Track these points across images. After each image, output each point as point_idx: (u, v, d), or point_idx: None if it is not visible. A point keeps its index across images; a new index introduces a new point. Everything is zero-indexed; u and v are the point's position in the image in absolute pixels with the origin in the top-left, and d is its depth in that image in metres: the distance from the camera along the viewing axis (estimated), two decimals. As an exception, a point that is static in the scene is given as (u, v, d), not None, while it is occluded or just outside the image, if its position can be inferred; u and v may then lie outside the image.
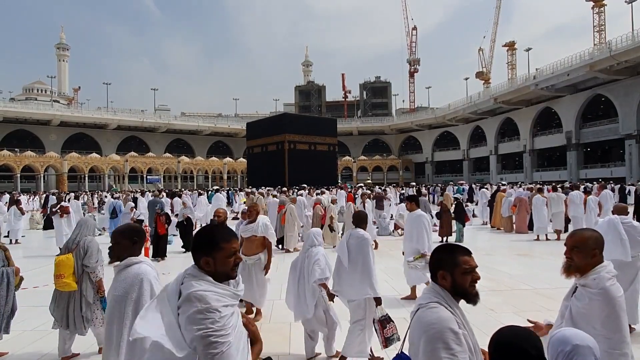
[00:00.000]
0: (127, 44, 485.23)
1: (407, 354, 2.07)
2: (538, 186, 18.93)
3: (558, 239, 13.28)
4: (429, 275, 5.55)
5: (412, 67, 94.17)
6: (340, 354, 4.43)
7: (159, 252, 11.00)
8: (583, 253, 2.38)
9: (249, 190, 18.73)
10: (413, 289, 7.08)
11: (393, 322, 4.08)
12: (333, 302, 4.61)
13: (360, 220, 4.68)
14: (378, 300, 4.23)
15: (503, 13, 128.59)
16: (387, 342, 3.96)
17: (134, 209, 11.58)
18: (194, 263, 1.93)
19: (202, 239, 1.96)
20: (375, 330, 4.06)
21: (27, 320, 5.95)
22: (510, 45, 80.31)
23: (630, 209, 15.14)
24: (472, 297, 1.94)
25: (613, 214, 5.55)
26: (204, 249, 1.92)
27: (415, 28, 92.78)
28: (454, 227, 13.33)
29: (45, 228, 18.17)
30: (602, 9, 61.52)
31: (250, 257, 5.82)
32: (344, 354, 4.37)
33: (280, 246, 12.19)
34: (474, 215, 18.95)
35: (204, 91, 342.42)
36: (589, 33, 67.47)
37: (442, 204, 14.23)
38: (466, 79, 77.38)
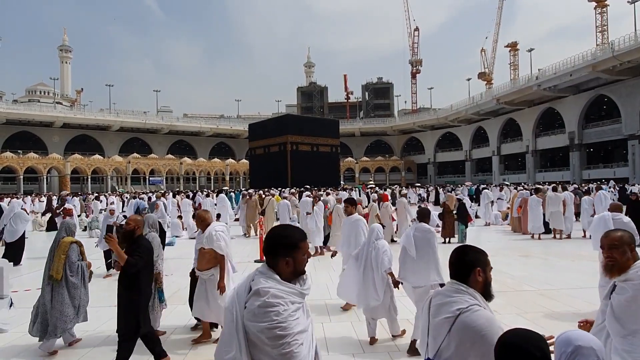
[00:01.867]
0: (129, 46, 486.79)
1: (433, 358, 2.05)
2: (536, 186, 18.99)
3: (554, 237, 13.54)
4: None
5: (414, 68, 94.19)
6: (412, 337, 4.80)
7: None
8: (621, 250, 2.45)
9: (245, 192, 18.69)
10: None
11: None
12: (398, 288, 5.09)
13: (423, 215, 5.23)
14: (442, 286, 4.46)
15: (505, 14, 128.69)
16: None
17: (114, 212, 10.82)
18: (265, 263, 1.97)
19: (280, 240, 1.96)
20: None
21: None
22: (513, 46, 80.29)
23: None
24: (491, 294, 2.09)
25: (609, 211, 6.15)
26: (284, 250, 1.93)
27: (417, 29, 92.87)
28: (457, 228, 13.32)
29: (48, 230, 18.21)
30: (604, 9, 61.42)
31: (202, 272, 5.07)
32: (414, 337, 4.70)
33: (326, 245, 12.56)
34: (476, 216, 18.94)
35: (206, 92, 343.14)
36: (591, 33, 67.32)
37: (444, 204, 14.20)
38: (468, 79, 77.33)
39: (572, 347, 1.74)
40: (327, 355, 4.77)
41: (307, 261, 2.01)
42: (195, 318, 5.43)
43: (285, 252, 1.93)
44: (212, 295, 4.97)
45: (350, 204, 6.87)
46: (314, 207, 12.68)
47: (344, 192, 23.94)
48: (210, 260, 4.99)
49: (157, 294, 5.26)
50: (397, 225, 14.03)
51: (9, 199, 22.41)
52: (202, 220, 5.15)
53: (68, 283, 4.92)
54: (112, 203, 17.07)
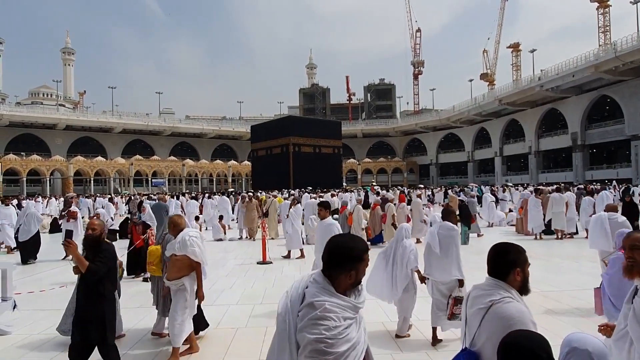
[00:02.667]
0: (132, 48, 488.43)
1: (471, 349, 2.13)
2: (536, 187, 19.01)
3: (557, 238, 13.53)
4: None
5: (416, 69, 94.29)
6: (431, 325, 5.08)
7: (137, 268, 8.86)
8: None
9: (244, 194, 18.54)
10: None
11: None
12: (425, 283, 5.27)
13: (448, 214, 5.48)
14: (461, 282, 4.94)
15: (507, 14, 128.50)
16: (452, 317, 4.69)
17: (99, 215, 10.49)
18: (322, 272, 1.92)
19: (346, 252, 1.90)
20: (447, 304, 4.81)
21: (34, 324, 5.96)
22: (515, 47, 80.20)
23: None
24: (528, 289, 2.17)
25: (605, 211, 6.44)
26: (349, 263, 1.88)
27: (419, 30, 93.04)
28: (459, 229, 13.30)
29: (51, 232, 18.22)
30: (606, 9, 61.28)
31: (172, 282, 4.61)
32: (433, 324, 5.04)
33: None
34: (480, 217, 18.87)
35: (208, 94, 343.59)
36: (594, 34, 67.18)
37: (447, 205, 14.18)
38: (470, 80, 77.31)
39: (568, 348, 1.76)
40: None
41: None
42: (154, 333, 5.38)
43: (350, 265, 1.88)
44: (179, 307, 4.56)
45: (324, 207, 6.58)
46: (291, 210, 12.44)
47: (362, 192, 23.93)
48: (183, 268, 4.56)
49: None
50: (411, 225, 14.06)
51: (27, 200, 22.95)
52: (174, 226, 4.78)
53: None
54: (103, 207, 17.00)
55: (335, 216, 13.82)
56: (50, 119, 62.56)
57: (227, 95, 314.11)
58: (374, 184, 61.46)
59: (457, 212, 13.78)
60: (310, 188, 28.98)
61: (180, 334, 4.57)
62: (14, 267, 5.92)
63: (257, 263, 10.49)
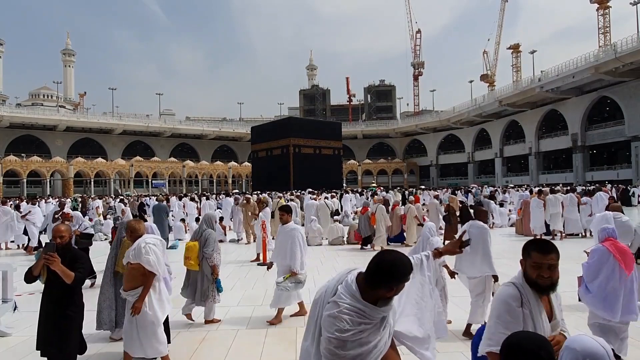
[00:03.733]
0: (132, 49, 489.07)
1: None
2: (539, 189, 19.05)
3: (552, 238, 13.44)
4: (297, 294, 5.91)
5: (417, 70, 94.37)
6: (467, 322, 5.27)
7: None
8: None
9: (238, 196, 17.70)
10: (280, 311, 6.12)
11: None
12: (454, 278, 5.55)
13: (479, 213, 5.74)
14: (495, 277, 5.18)
15: (507, 15, 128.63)
16: None
17: (69, 215, 10.14)
18: (361, 275, 1.99)
19: (397, 270, 1.92)
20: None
21: (35, 325, 5.95)
22: (515, 48, 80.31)
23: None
24: (540, 289, 2.30)
25: (610, 211, 6.61)
26: (395, 283, 1.93)
27: (419, 31, 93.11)
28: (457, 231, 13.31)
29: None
30: (607, 11, 61.39)
31: (127, 292, 4.21)
32: (470, 321, 5.23)
33: (368, 245, 12.71)
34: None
35: (208, 95, 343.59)
36: (594, 35, 67.24)
37: (449, 207, 14.20)
38: (471, 81, 77.41)
39: (563, 348, 1.76)
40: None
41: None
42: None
43: (396, 285, 1.93)
44: (137, 323, 4.16)
45: (286, 212, 6.19)
46: (259, 213, 11.85)
47: (389, 193, 23.88)
48: (137, 277, 4.17)
49: (216, 284, 5.87)
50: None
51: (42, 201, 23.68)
52: (132, 232, 4.43)
53: None
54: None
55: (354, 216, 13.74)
56: (50, 121, 62.62)
57: (228, 97, 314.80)
58: (374, 184, 61.52)
59: (458, 214, 13.85)
60: (311, 189, 28.91)
61: (150, 349, 4.20)
62: (14, 268, 5.92)
63: (258, 264, 10.49)
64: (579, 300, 4.33)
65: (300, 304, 6.27)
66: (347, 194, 23.69)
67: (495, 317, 2.23)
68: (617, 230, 5.84)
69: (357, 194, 26.75)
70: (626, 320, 3.89)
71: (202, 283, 5.81)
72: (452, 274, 5.52)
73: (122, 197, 33.00)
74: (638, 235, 6.07)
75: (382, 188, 38.35)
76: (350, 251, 12.58)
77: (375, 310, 1.92)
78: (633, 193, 28.62)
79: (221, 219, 16.44)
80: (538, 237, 13.62)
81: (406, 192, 26.04)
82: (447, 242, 13.05)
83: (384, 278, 1.90)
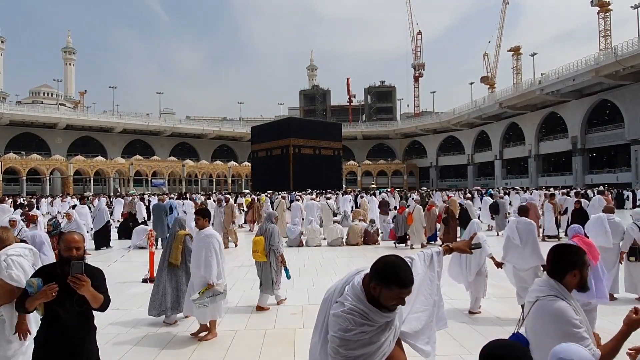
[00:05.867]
0: (133, 48, 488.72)
1: (517, 333, 2.33)
2: (550, 192, 19.20)
3: (543, 240, 13.47)
4: (221, 307, 5.42)
5: (417, 72, 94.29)
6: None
7: None
8: None
9: (221, 197, 16.76)
10: (212, 324, 5.44)
11: None
12: (502, 268, 6.18)
13: (523, 211, 6.31)
14: (544, 267, 5.03)
15: (508, 18, 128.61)
16: None
17: (70, 216, 9.98)
18: (364, 276, 2.03)
19: (400, 277, 1.91)
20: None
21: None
22: (516, 50, 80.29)
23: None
24: (587, 287, 2.26)
25: (603, 212, 7.26)
26: (406, 292, 1.93)
27: (420, 33, 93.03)
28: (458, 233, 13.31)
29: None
30: (607, 14, 61.40)
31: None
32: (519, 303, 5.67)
33: (404, 244, 13.14)
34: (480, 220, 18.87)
35: (209, 95, 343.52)
36: (594, 38, 67.30)
37: (448, 209, 14.18)
38: (471, 83, 77.52)
39: (551, 356, 1.74)
40: None
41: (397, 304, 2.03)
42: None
43: (404, 293, 1.94)
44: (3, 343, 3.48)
45: (203, 216, 5.50)
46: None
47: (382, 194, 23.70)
48: (6, 293, 3.40)
49: (285, 272, 6.86)
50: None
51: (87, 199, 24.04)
52: (4, 241, 3.72)
53: (187, 267, 5.86)
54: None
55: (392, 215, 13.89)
56: (50, 119, 62.56)
57: (228, 96, 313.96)
58: (373, 185, 61.57)
59: (457, 216, 13.84)
60: (310, 190, 28.99)
61: None
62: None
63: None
64: None
65: (212, 324, 5.41)
66: (346, 195, 23.70)
67: (573, 329, 2.09)
68: (610, 230, 6.79)
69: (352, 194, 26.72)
70: (601, 302, 4.68)
71: (269, 272, 6.60)
72: (498, 265, 6.14)
73: (142, 195, 32.49)
74: (628, 234, 6.76)
75: (419, 191, 37.97)
76: (350, 252, 12.55)
77: (379, 314, 1.93)
78: (627, 197, 29.37)
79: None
80: (543, 238, 13.76)
81: (423, 194, 25.88)
82: (444, 243, 13.06)
83: (390, 282, 1.91)
